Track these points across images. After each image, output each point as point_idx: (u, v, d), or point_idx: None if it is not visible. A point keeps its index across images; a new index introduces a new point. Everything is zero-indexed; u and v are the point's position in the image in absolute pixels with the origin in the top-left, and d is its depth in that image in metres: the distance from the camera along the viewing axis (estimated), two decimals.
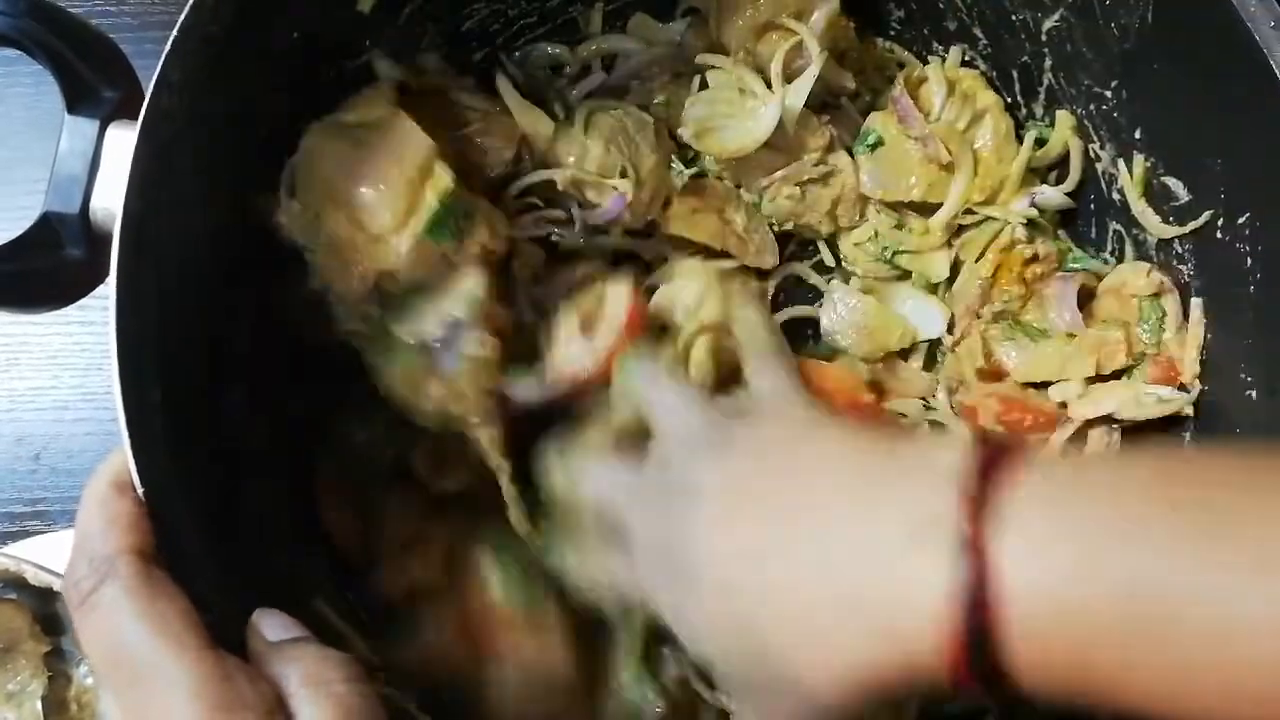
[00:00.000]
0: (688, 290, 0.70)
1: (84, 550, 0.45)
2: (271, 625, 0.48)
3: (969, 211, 0.78)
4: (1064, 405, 0.75)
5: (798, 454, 0.52)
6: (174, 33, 0.53)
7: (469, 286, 0.65)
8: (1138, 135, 0.70)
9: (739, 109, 0.76)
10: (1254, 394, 0.66)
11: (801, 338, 0.81)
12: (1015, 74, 0.77)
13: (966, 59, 0.79)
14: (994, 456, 0.45)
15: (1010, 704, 0.44)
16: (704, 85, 0.78)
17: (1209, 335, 0.70)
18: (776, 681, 0.49)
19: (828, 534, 0.47)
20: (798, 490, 0.50)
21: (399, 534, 0.72)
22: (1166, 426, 0.73)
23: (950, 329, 0.80)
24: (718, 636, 0.51)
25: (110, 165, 0.54)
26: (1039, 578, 0.41)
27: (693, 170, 0.80)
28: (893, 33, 0.82)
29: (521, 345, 0.69)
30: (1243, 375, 0.66)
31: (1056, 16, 0.70)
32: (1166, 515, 0.41)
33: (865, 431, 0.51)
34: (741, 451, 0.54)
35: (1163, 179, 0.70)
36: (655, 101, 0.80)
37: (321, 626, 0.65)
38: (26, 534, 0.85)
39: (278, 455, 0.68)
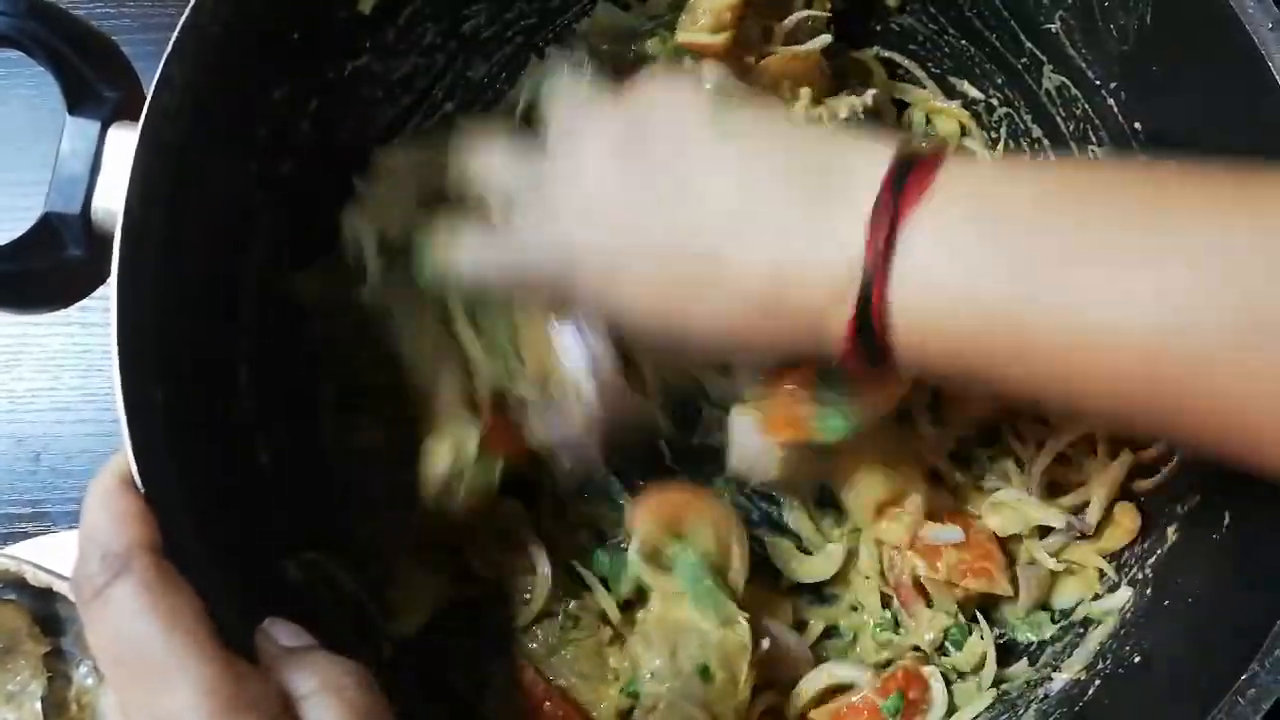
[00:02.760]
0: None
1: (94, 544, 0.45)
2: (283, 632, 0.48)
3: None
4: None
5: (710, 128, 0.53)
6: (175, 33, 0.54)
7: None
8: (1137, 136, 0.70)
9: None
10: None
11: None
12: (1013, 76, 0.77)
13: (965, 59, 0.79)
14: (914, 163, 0.47)
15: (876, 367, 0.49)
16: None
17: None
18: (672, 332, 0.54)
19: (747, 198, 0.50)
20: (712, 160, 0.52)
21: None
22: None
23: None
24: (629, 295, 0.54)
25: (111, 166, 0.55)
26: (929, 272, 0.45)
27: None
28: (893, 26, 0.82)
29: None
30: None
31: (1055, 19, 0.70)
32: (1054, 232, 0.45)
33: (775, 119, 0.55)
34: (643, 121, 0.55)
35: None
36: None
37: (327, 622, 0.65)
38: (26, 535, 0.85)
39: (280, 456, 0.68)
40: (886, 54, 0.83)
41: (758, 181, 0.51)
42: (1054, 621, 0.76)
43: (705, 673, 0.68)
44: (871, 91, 0.77)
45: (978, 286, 0.45)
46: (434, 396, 0.70)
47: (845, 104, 0.75)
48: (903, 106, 0.84)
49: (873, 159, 0.48)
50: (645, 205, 0.52)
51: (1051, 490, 0.76)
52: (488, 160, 0.61)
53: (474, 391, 0.70)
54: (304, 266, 0.71)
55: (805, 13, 0.77)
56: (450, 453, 0.68)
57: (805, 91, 0.75)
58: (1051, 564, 0.75)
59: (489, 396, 0.71)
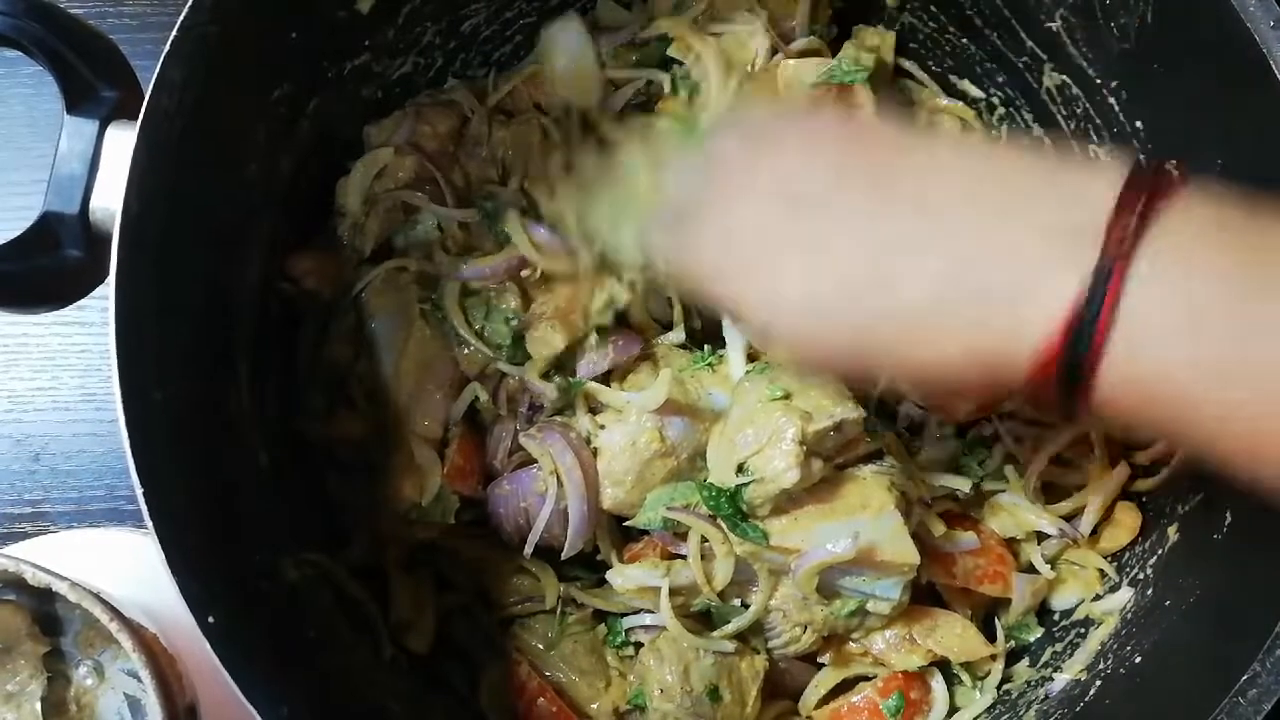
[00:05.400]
0: None
1: None
2: None
3: None
4: None
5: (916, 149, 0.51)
6: (173, 33, 0.53)
7: None
8: (1138, 135, 0.70)
9: None
10: None
11: None
12: (1014, 75, 0.77)
13: (965, 58, 0.79)
14: (1144, 190, 0.44)
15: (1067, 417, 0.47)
16: None
17: None
18: (864, 366, 0.51)
19: (957, 229, 0.47)
20: (923, 183, 0.49)
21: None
22: None
23: None
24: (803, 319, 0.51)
25: (110, 165, 0.55)
26: (1155, 316, 0.42)
27: None
28: (883, 21, 0.82)
29: None
30: None
31: (1056, 17, 0.70)
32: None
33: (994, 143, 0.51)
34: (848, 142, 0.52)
35: None
36: None
37: (325, 621, 0.66)
38: (26, 535, 0.85)
39: (279, 455, 0.68)
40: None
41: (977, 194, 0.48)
42: (1055, 623, 0.76)
43: (714, 694, 0.69)
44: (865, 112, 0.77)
45: (1200, 348, 0.42)
46: (407, 421, 0.71)
47: None
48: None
49: (1097, 182, 0.45)
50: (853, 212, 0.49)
51: (1051, 493, 0.76)
52: (664, 175, 0.59)
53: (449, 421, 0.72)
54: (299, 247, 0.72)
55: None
56: (414, 490, 0.70)
57: None
58: (1047, 572, 0.75)
59: (464, 411, 0.72)
